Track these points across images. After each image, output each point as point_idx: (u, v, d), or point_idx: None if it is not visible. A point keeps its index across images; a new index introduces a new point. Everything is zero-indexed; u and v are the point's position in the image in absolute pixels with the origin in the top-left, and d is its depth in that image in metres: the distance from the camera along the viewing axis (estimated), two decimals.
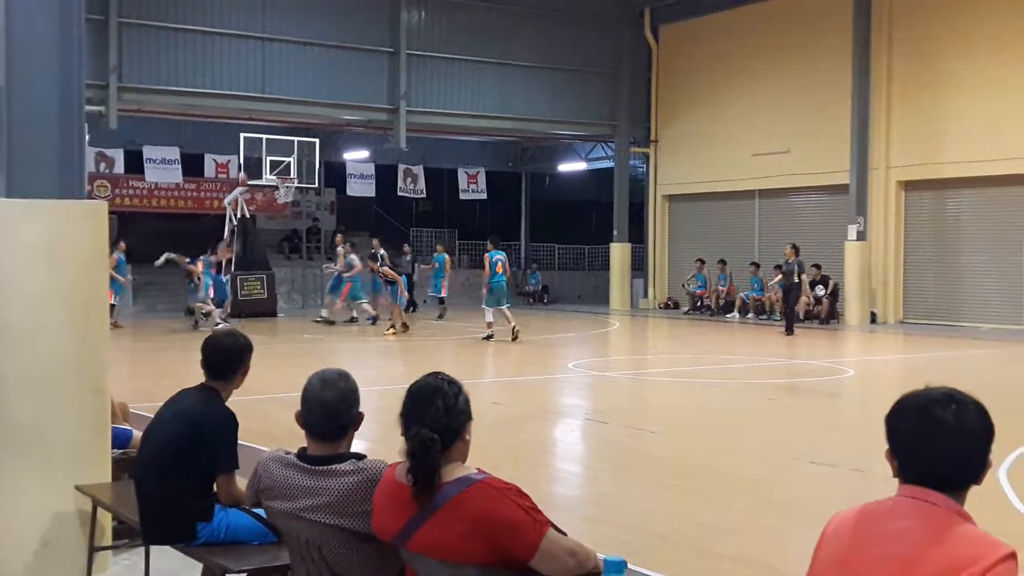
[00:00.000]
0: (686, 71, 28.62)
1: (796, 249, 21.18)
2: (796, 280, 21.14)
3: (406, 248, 28.23)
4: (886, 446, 2.38)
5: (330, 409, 3.36)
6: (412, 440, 2.95)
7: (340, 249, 23.18)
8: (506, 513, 2.87)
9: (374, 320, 22.08)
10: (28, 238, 4.95)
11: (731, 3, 27.02)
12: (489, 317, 18.35)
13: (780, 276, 21.81)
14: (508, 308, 18.56)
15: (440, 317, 23.86)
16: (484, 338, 18.33)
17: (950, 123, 22.52)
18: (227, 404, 4.32)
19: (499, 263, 18.40)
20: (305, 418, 3.41)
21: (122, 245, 21.59)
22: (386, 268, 21.19)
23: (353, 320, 22.59)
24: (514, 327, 17.97)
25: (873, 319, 23.74)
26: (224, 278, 21.98)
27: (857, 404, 12.77)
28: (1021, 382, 13.50)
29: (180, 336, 19.54)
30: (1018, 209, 21.91)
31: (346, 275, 22.29)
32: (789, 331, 20.73)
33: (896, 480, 2.37)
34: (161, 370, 13.84)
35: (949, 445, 2.28)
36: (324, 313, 22.84)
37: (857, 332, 22.24)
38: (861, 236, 23.74)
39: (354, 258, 22.36)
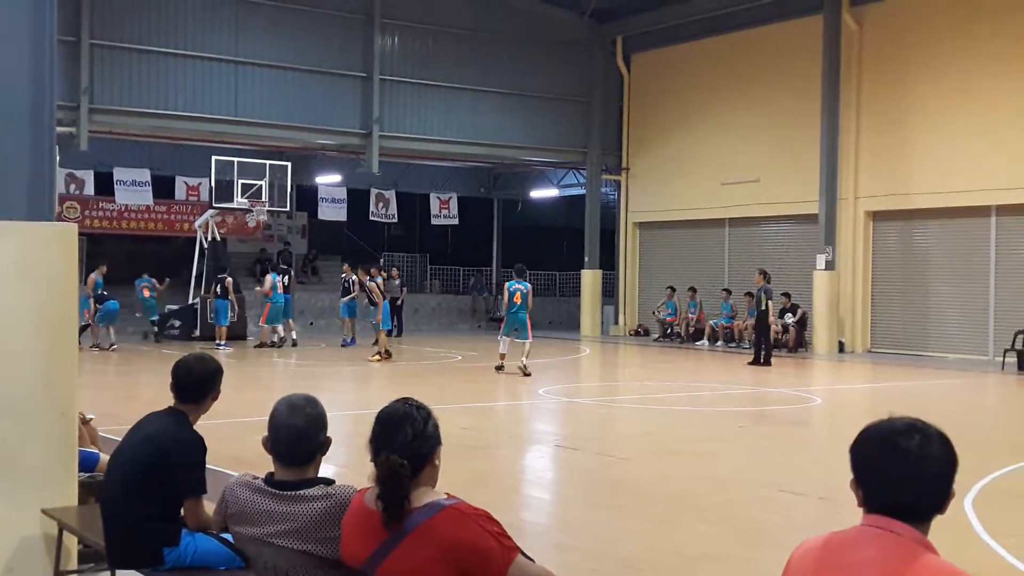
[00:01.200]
0: (658, 99, 28.87)
1: (765, 275, 20.85)
2: (763, 307, 20.54)
3: (395, 273, 28.09)
4: (851, 475, 2.41)
5: (297, 434, 3.35)
6: (381, 466, 2.94)
7: (354, 277, 22.99)
8: (475, 539, 2.87)
9: (286, 342, 22.72)
10: None
11: (703, 33, 27.34)
12: (503, 348, 17.54)
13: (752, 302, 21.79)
14: (528, 343, 17.47)
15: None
16: (495, 368, 17.67)
17: (918, 154, 22.84)
18: (195, 428, 4.29)
19: (517, 292, 17.44)
20: (272, 444, 3.40)
21: (103, 268, 21.58)
22: (374, 284, 20.90)
23: (274, 344, 22.56)
24: (525, 365, 17.19)
25: (841, 348, 23.93)
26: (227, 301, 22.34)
27: (825, 432, 12.85)
28: (986, 412, 13.64)
29: (148, 358, 19.38)
30: (984, 240, 22.21)
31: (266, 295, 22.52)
32: (757, 361, 20.22)
33: (861, 510, 2.40)
34: (128, 393, 13.72)
35: (913, 475, 2.30)
36: (275, 338, 22.88)
37: (825, 361, 22.40)
38: (830, 265, 23.97)
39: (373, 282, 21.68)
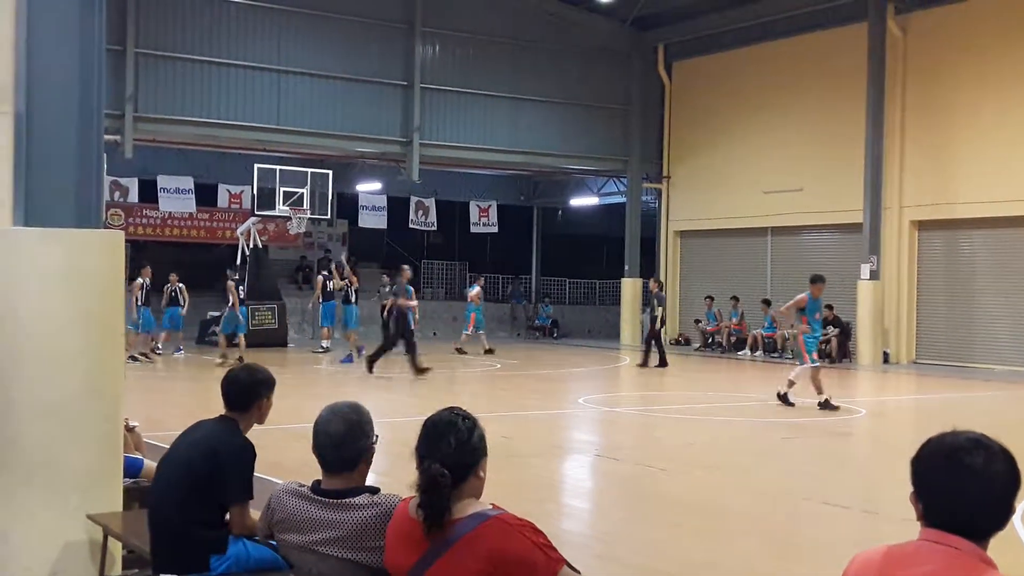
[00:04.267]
0: (699, 108, 28.74)
1: (660, 283, 22.24)
2: (655, 313, 21.16)
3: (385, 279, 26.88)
4: (911, 489, 2.36)
5: (336, 441, 3.37)
6: (422, 474, 2.94)
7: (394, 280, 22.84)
8: (520, 550, 2.85)
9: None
10: (45, 266, 4.96)
11: (744, 41, 27.18)
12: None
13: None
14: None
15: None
16: None
17: (963, 163, 22.54)
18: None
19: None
20: (315, 450, 3.43)
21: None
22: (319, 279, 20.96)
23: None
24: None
25: (886, 359, 23.63)
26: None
27: (869, 444, 12.67)
28: None
29: (187, 365, 19.52)
30: None
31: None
32: (645, 364, 20.83)
33: (918, 524, 2.35)
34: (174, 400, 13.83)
35: (976, 492, 2.26)
36: (325, 344, 22.92)
37: (869, 372, 22.13)
38: (874, 275, 23.68)
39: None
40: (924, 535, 2.31)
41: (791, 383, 14.50)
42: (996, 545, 2.30)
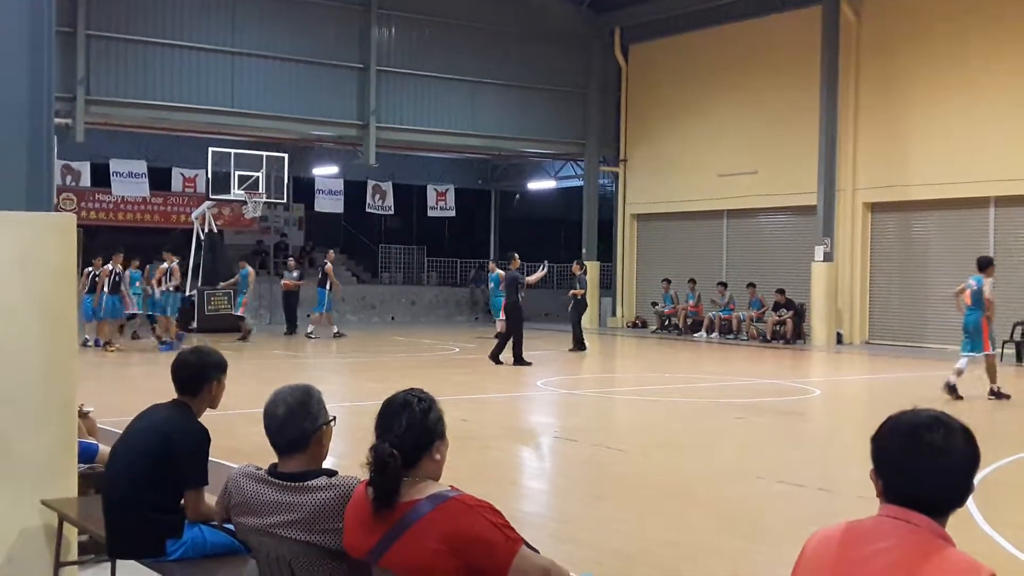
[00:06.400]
0: (656, 91, 28.83)
1: (583, 266, 22.94)
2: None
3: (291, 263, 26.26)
4: (870, 466, 2.40)
5: (279, 422, 3.38)
6: (371, 454, 2.95)
7: None
8: (479, 530, 2.86)
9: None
10: None
11: (701, 24, 27.28)
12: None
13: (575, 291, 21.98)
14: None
15: (243, 339, 21.61)
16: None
17: (916, 146, 22.83)
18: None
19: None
20: (266, 434, 3.42)
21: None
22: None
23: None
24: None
25: (839, 340, 23.94)
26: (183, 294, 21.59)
27: (823, 424, 12.85)
28: (985, 403, 13.63)
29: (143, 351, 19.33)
30: (983, 231, 22.20)
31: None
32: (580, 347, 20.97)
33: (877, 500, 2.39)
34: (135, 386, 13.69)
35: (935, 469, 2.29)
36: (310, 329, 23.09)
37: (823, 352, 22.41)
38: (828, 257, 23.96)
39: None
40: (883, 511, 2.35)
41: (959, 372, 13.68)
42: (954, 522, 2.35)
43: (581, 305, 21.85)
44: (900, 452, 2.33)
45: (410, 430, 2.97)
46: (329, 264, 23.84)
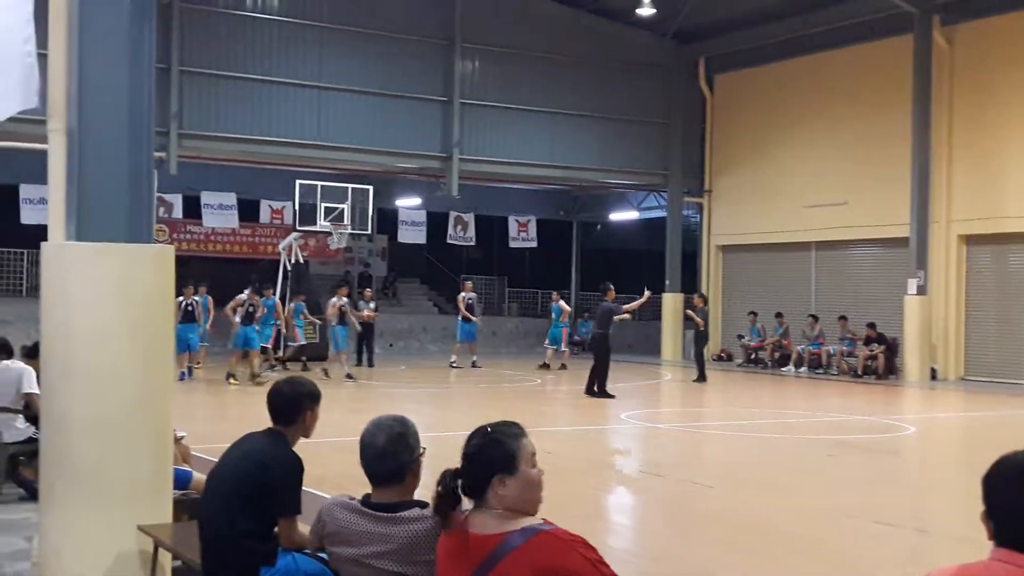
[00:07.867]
0: (741, 121, 28.59)
1: (704, 298, 22.94)
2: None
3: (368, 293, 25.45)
4: (968, 507, 2.30)
5: (378, 453, 3.40)
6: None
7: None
8: (572, 565, 2.82)
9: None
10: (97, 281, 5.01)
11: (788, 53, 27.00)
12: None
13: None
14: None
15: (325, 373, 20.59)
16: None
17: (1012, 177, 22.21)
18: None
19: None
20: (361, 463, 3.44)
21: (202, 289, 20.73)
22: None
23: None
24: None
25: (933, 375, 23.26)
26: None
27: (918, 462, 12.47)
28: None
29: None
30: None
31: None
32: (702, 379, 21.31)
33: (988, 543, 2.29)
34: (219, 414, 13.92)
35: None
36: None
37: (917, 388, 21.81)
38: (921, 290, 23.33)
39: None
40: (995, 555, 2.26)
41: None
42: None
43: (703, 337, 21.96)
44: (1012, 493, 2.24)
45: (470, 460, 3.02)
46: (469, 295, 24.62)
